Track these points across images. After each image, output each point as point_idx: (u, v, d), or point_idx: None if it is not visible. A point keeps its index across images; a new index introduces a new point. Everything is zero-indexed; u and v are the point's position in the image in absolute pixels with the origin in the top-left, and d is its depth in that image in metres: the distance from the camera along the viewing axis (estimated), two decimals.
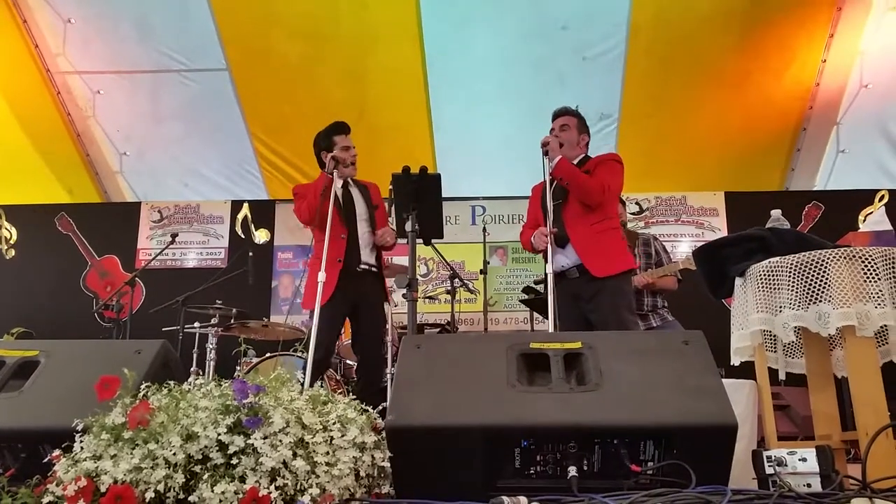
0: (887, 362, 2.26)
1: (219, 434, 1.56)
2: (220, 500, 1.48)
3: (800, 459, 1.78)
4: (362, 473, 1.68)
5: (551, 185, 3.39)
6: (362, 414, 1.78)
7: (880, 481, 1.78)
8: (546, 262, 3.26)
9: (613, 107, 5.95)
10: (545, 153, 3.40)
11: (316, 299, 3.14)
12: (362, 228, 3.74)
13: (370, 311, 3.78)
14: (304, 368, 3.01)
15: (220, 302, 4.82)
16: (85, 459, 1.58)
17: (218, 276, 5.34)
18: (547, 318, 3.15)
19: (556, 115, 3.68)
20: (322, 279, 3.16)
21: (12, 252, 6.62)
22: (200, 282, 5.29)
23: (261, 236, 6.62)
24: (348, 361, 4.93)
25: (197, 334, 4.94)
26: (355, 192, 3.82)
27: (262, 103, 6.11)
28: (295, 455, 1.57)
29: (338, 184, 3.71)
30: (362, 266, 3.69)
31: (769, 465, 1.79)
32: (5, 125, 6.02)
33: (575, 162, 3.52)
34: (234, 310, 4.82)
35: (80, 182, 6.63)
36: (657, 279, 4.33)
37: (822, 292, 2.18)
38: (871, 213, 5.95)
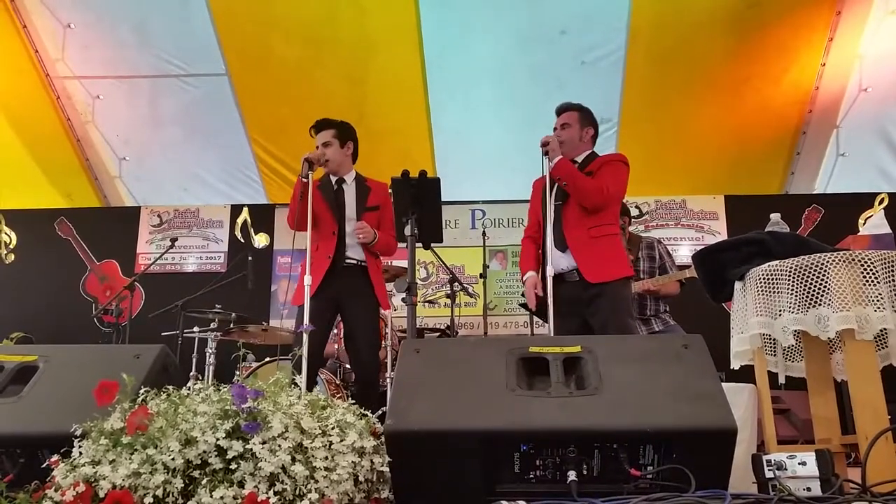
0: (887, 366, 2.26)
1: (217, 439, 1.56)
2: None
3: (799, 463, 1.78)
4: (361, 478, 1.68)
5: (552, 186, 3.34)
6: (361, 418, 1.77)
7: (880, 485, 1.78)
8: (545, 264, 3.24)
9: (613, 111, 5.95)
10: (545, 153, 3.32)
11: (302, 299, 3.18)
12: (349, 228, 3.71)
13: (355, 307, 3.68)
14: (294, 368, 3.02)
15: (219, 306, 4.81)
16: (83, 465, 1.58)
17: (217, 281, 5.32)
18: (546, 322, 3.13)
19: (557, 112, 3.58)
20: (308, 282, 3.18)
21: (12, 256, 6.62)
22: (200, 286, 5.29)
23: (260, 241, 6.62)
24: (348, 366, 4.92)
25: (196, 339, 4.93)
26: (349, 192, 3.80)
27: (262, 108, 6.12)
28: (294, 460, 1.57)
29: (332, 180, 3.79)
30: (347, 261, 3.67)
31: (769, 469, 1.80)
32: (4, 130, 6.03)
33: (580, 159, 3.44)
34: (234, 314, 4.81)
35: (79, 187, 6.63)
36: (661, 285, 4.31)
37: (822, 296, 2.18)
38: (871, 216, 5.96)
